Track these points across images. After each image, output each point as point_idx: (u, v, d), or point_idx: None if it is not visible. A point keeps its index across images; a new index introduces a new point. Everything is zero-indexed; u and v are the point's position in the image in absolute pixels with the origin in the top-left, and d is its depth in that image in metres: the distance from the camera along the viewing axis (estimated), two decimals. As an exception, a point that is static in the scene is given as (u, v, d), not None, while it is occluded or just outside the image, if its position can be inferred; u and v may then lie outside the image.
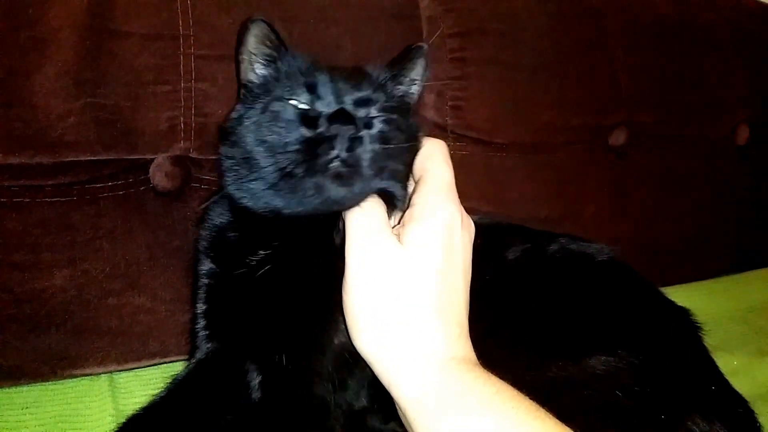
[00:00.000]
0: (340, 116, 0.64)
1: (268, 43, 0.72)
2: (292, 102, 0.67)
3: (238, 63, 0.75)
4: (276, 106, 0.68)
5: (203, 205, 0.78)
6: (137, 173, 0.83)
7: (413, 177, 0.69)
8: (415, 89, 0.77)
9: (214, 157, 0.83)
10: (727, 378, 0.91)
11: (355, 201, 0.65)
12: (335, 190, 0.64)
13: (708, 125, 1.28)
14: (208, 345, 0.75)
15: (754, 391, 0.97)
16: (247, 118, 0.69)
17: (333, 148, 0.63)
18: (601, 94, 1.15)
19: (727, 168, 1.32)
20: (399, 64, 0.75)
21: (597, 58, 1.15)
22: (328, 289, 0.70)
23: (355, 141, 0.64)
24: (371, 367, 0.63)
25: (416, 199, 0.65)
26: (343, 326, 0.69)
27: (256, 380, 0.71)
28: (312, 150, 0.64)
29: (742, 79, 1.32)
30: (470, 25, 1.03)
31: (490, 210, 1.02)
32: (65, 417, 0.76)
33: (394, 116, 0.69)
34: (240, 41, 0.73)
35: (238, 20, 0.84)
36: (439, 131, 1.03)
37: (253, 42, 0.72)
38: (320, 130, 0.64)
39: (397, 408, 0.61)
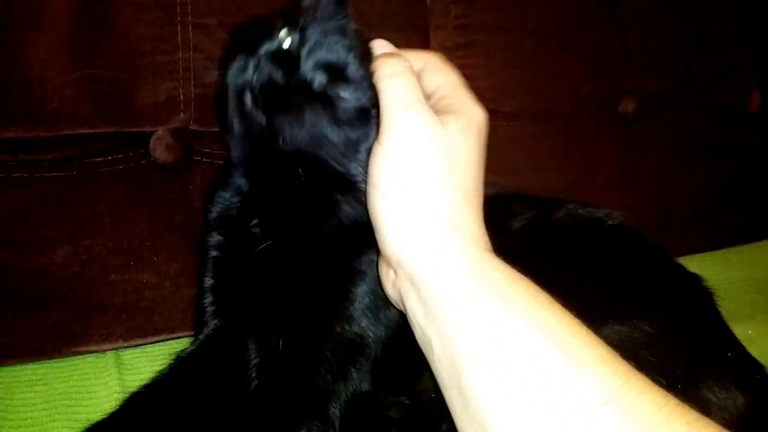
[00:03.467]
0: (282, 58, 0.61)
1: None
2: (283, 32, 0.64)
3: None
4: (281, 23, 0.65)
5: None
6: (137, 147, 0.81)
7: (424, 86, 0.63)
8: None
9: (215, 129, 0.82)
10: (743, 345, 0.91)
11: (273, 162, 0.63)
12: (233, 112, 0.62)
13: (719, 92, 1.26)
14: (215, 321, 0.74)
15: (769, 361, 0.96)
16: None
17: (247, 76, 0.61)
18: (609, 61, 1.12)
19: (740, 135, 1.29)
20: None
21: (605, 25, 1.12)
22: (329, 270, 0.69)
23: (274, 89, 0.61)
24: (395, 258, 0.57)
25: (450, 98, 0.62)
26: (346, 312, 0.68)
27: (254, 362, 0.70)
28: (240, 68, 0.62)
29: (753, 44, 1.29)
30: (474, -9, 1.01)
31: (498, 180, 0.99)
32: (71, 394, 0.75)
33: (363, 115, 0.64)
34: None
35: (235, -13, 0.82)
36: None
37: None
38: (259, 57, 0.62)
39: (415, 303, 0.56)
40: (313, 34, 0.63)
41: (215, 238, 0.74)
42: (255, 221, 0.70)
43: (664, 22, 1.19)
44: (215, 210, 0.75)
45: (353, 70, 0.63)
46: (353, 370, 0.70)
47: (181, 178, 0.84)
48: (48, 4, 0.74)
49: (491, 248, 0.57)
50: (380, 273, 0.63)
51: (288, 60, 0.61)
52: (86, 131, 0.77)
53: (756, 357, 0.94)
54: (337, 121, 0.62)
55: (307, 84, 0.62)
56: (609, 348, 0.51)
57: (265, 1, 0.84)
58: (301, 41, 0.63)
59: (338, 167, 0.63)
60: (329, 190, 0.66)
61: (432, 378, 0.63)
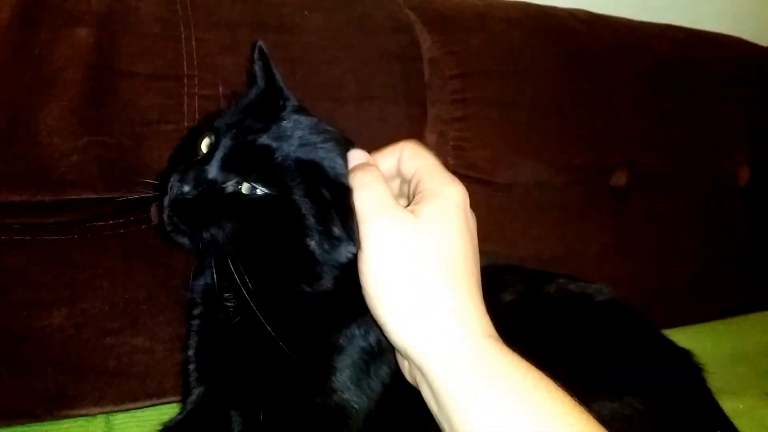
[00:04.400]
0: (193, 168, 0.64)
1: (258, 68, 0.73)
2: (205, 141, 0.68)
3: None
4: (202, 130, 0.69)
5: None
6: (139, 211, 0.83)
7: (403, 175, 0.65)
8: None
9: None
10: (731, 421, 0.90)
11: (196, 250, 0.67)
12: (166, 227, 0.65)
13: (709, 166, 1.29)
14: (199, 388, 0.75)
15: (760, 436, 0.96)
16: None
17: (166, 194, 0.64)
18: (601, 135, 1.15)
19: (729, 209, 1.32)
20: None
21: (597, 99, 1.16)
22: (306, 344, 0.69)
23: (186, 202, 0.63)
24: (403, 352, 0.58)
25: (424, 183, 0.62)
26: (328, 384, 0.68)
27: None
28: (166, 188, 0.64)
29: (742, 119, 1.33)
30: (471, 67, 1.05)
31: (493, 249, 1.01)
32: (61, 457, 0.75)
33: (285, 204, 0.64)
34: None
35: (241, 61, 0.85)
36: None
37: (253, 65, 0.73)
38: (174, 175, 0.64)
39: (427, 392, 0.57)
40: (226, 135, 0.65)
41: (198, 309, 0.76)
42: (229, 296, 0.70)
43: (654, 97, 1.22)
44: (199, 282, 0.77)
45: (278, 160, 0.64)
46: None
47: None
48: (60, 72, 0.77)
49: (492, 330, 0.57)
50: (397, 358, 0.63)
51: (197, 169, 0.64)
52: (90, 196, 0.79)
53: (746, 431, 0.95)
54: (256, 216, 0.64)
55: (217, 185, 0.64)
56: None
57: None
58: (215, 144, 0.65)
59: (270, 258, 0.66)
60: (285, 276, 0.67)
61: None
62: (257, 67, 0.73)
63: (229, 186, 0.63)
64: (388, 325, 0.58)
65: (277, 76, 0.72)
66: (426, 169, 0.63)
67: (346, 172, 0.65)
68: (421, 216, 0.59)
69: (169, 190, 0.63)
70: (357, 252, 0.60)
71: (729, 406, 1.02)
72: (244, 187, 0.63)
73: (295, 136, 0.65)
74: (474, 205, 1.03)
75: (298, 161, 0.64)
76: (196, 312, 0.76)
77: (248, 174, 0.63)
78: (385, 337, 0.68)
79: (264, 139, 0.64)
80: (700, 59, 1.32)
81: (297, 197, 0.63)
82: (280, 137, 0.65)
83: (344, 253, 0.65)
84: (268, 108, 0.69)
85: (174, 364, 0.83)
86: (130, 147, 0.80)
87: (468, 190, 1.02)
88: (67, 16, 0.78)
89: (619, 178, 1.17)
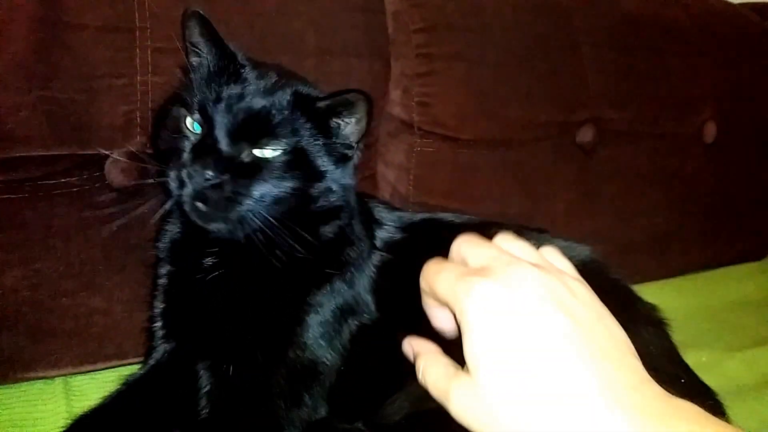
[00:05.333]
0: (205, 152, 0.65)
1: (200, 36, 0.71)
2: (187, 119, 0.68)
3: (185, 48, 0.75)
4: (179, 113, 0.68)
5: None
6: (92, 169, 0.81)
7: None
8: (352, 131, 0.72)
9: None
10: (695, 371, 0.92)
11: (233, 233, 0.67)
12: (198, 222, 0.67)
13: (675, 122, 1.28)
14: (165, 345, 0.75)
15: (723, 386, 0.96)
16: (167, 113, 0.70)
17: (190, 180, 0.64)
18: (567, 91, 1.14)
19: (696, 165, 1.32)
20: (330, 103, 0.70)
21: (564, 55, 1.15)
22: (283, 300, 0.70)
23: (215, 186, 0.64)
24: None
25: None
26: (299, 339, 0.69)
27: (204, 389, 0.70)
28: (179, 179, 0.65)
29: (708, 76, 1.33)
30: (436, 21, 1.02)
31: (458, 207, 1.00)
32: (17, 421, 0.74)
33: (299, 156, 0.68)
34: (182, 31, 0.73)
35: (196, 13, 0.82)
36: (405, 128, 1.02)
37: (189, 33, 0.71)
38: (187, 166, 0.65)
39: None
40: (216, 106, 0.66)
41: (165, 268, 0.75)
42: (209, 259, 0.71)
43: (620, 54, 1.21)
44: (164, 240, 0.76)
45: (272, 116, 0.67)
46: (307, 396, 0.70)
47: (136, 201, 0.82)
48: (3, 26, 0.74)
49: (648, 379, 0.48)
50: None
51: (208, 150, 0.65)
52: (40, 153, 0.77)
53: (710, 382, 0.96)
54: (276, 177, 0.66)
55: (236, 159, 0.66)
56: None
57: (223, 26, 0.84)
58: (207, 120, 0.66)
59: (289, 222, 0.67)
60: (283, 238, 0.67)
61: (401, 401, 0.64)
62: (197, 34, 0.71)
63: (245, 156, 0.66)
64: None
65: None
66: (431, 295, 0.55)
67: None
68: (469, 369, 0.49)
69: (187, 180, 0.64)
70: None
71: (693, 358, 1.04)
72: (258, 152, 0.66)
73: (271, 85, 0.69)
74: (439, 161, 1.04)
75: (288, 103, 0.68)
76: (163, 271, 0.76)
77: (257, 139, 0.66)
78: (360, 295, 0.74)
79: (254, 101, 0.67)
80: (667, 16, 1.31)
81: (305, 141, 0.68)
82: (262, 92, 0.68)
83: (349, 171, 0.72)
84: (232, 72, 0.69)
85: (133, 326, 0.82)
86: (80, 102, 0.78)
87: (433, 147, 1.03)
88: (10, -34, 0.74)
89: (585, 135, 1.16)
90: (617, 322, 0.52)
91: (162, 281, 0.76)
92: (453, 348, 0.51)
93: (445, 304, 0.53)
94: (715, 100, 1.33)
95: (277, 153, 0.66)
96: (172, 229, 0.76)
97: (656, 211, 1.27)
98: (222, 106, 0.66)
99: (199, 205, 0.64)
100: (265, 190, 0.65)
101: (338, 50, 0.94)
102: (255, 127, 0.66)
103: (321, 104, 0.69)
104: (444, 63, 1.03)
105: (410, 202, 1.02)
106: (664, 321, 0.81)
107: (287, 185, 0.67)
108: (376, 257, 0.77)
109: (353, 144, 0.72)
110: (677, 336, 1.09)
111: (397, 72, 1.01)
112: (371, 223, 0.80)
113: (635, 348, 0.70)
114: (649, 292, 1.22)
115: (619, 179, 1.22)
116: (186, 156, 0.65)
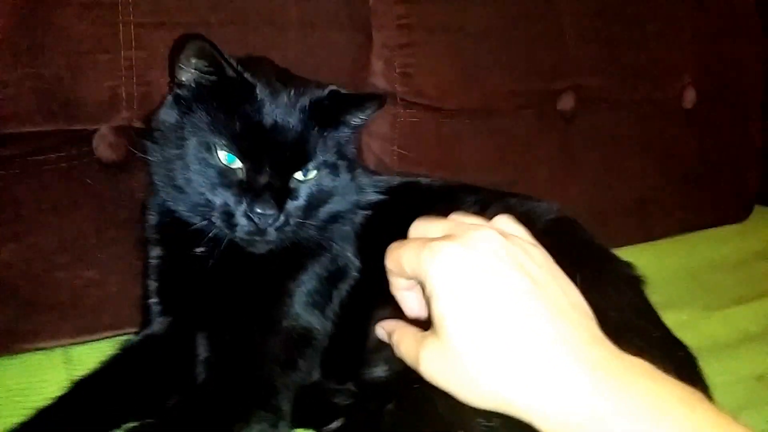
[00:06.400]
0: (260, 193, 0.67)
1: (207, 62, 0.69)
2: (220, 153, 0.68)
3: (172, 67, 0.75)
4: (202, 150, 0.68)
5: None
6: (80, 144, 0.82)
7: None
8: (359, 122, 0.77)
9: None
10: (674, 331, 0.95)
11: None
12: (252, 249, 0.71)
13: (655, 89, 1.30)
14: (161, 318, 0.77)
15: (701, 344, 0.99)
16: (176, 136, 0.70)
17: (251, 227, 0.68)
18: (548, 60, 1.16)
19: (675, 131, 1.34)
20: (351, 111, 0.74)
21: (544, 24, 1.16)
22: (275, 276, 0.74)
23: (278, 220, 0.68)
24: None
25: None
26: (292, 310, 0.73)
27: (202, 356, 0.73)
28: (230, 218, 0.68)
29: (688, 43, 1.34)
30: (416, -9, 1.04)
31: (441, 175, 1.02)
32: (20, 391, 0.76)
33: (332, 169, 0.74)
34: (176, 55, 0.71)
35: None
36: (389, 98, 1.04)
37: (191, 58, 0.69)
38: (240, 203, 0.68)
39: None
40: (251, 141, 0.69)
41: (156, 251, 0.78)
42: (199, 249, 0.73)
43: (600, 21, 1.23)
44: (151, 219, 0.78)
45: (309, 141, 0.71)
46: (300, 361, 0.73)
47: (125, 176, 0.85)
48: (-12, 4, 0.75)
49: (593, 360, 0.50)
50: None
51: (261, 189, 0.68)
52: (29, 129, 0.78)
53: (690, 340, 0.99)
54: (319, 192, 0.73)
55: (286, 190, 0.70)
56: None
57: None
58: (246, 155, 0.69)
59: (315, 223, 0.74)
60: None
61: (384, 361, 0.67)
62: (200, 55, 0.68)
63: (292, 184, 0.70)
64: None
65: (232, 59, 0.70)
66: (399, 273, 0.58)
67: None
68: (435, 329, 0.53)
69: (245, 221, 0.67)
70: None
71: (672, 318, 1.06)
72: (300, 176, 0.71)
73: (291, 103, 0.70)
74: (422, 131, 1.06)
75: (311, 117, 0.71)
76: (154, 253, 0.78)
77: (300, 166, 0.70)
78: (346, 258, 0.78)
79: (286, 128, 0.69)
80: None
81: (330, 152, 0.73)
82: (286, 114, 0.69)
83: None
84: (245, 93, 0.69)
85: (128, 297, 0.85)
86: (66, 78, 0.79)
87: (416, 117, 1.05)
88: (-11, -57, 0.75)
89: (566, 103, 1.18)
90: (572, 284, 0.56)
91: (154, 262, 0.78)
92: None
93: (413, 277, 0.56)
94: (694, 66, 1.34)
95: (317, 171, 0.72)
96: (159, 211, 0.77)
97: (637, 176, 1.29)
98: (257, 137, 0.68)
99: (258, 240, 0.69)
100: (311, 208, 0.72)
101: (320, 22, 0.95)
102: (295, 155, 0.70)
103: (342, 113, 0.74)
104: (425, 34, 1.04)
105: (395, 171, 1.04)
106: (639, 277, 0.83)
107: (326, 194, 0.73)
108: (359, 218, 0.80)
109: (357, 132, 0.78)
110: (658, 297, 1.12)
111: (379, 43, 1.03)
112: None
113: (609, 302, 0.73)
114: (630, 254, 1.24)
115: (600, 145, 1.24)
116: (232, 196, 0.68)
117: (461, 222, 0.58)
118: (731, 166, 1.44)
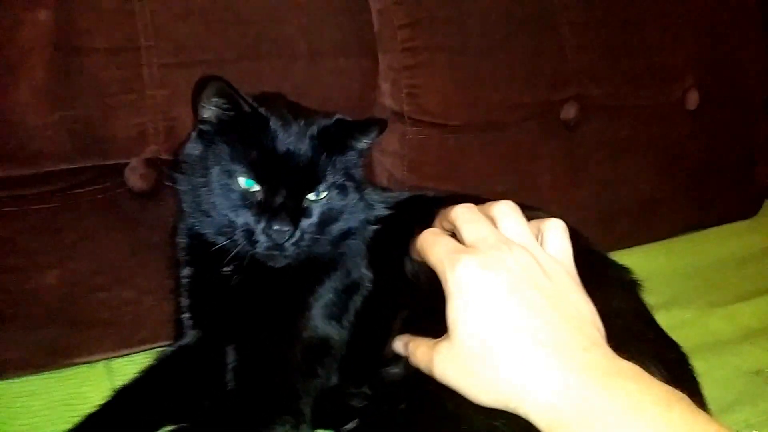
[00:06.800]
0: (277, 212, 0.74)
1: (225, 100, 0.76)
2: (240, 179, 0.75)
3: (195, 106, 0.83)
4: (224, 177, 0.76)
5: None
6: (113, 177, 0.90)
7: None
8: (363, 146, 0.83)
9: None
10: (678, 328, 0.97)
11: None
12: (270, 263, 0.78)
13: (658, 92, 1.33)
14: (194, 331, 0.85)
15: (703, 340, 1.03)
16: (201, 166, 0.78)
17: (269, 243, 0.74)
18: (549, 71, 1.20)
19: (680, 132, 1.37)
20: (356, 136, 0.81)
21: (544, 36, 1.20)
22: (295, 292, 0.81)
23: (293, 236, 0.75)
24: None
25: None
26: (311, 322, 0.80)
27: (231, 365, 0.80)
28: (251, 235, 0.75)
29: (689, 45, 1.37)
30: (419, 15, 1.09)
31: (450, 187, 1.08)
32: (68, 400, 0.84)
33: (341, 189, 0.80)
34: (198, 95, 0.79)
35: (196, 28, 0.92)
36: (396, 117, 1.10)
37: (211, 97, 0.76)
38: (258, 221, 0.75)
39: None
40: (268, 167, 0.76)
41: (186, 271, 0.85)
42: (226, 268, 0.80)
43: (600, 29, 1.26)
44: (181, 242, 0.86)
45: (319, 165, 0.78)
46: (320, 368, 0.80)
47: (155, 203, 0.93)
48: (25, 55, 0.83)
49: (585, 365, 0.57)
50: None
51: (277, 209, 0.75)
52: (67, 167, 0.86)
53: (692, 337, 1.03)
54: (330, 211, 0.80)
55: (300, 209, 0.77)
56: None
57: (220, 37, 0.93)
58: (263, 179, 0.76)
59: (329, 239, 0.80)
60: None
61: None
62: (219, 94, 0.75)
63: (305, 203, 0.77)
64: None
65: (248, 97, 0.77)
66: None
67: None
68: (448, 333, 0.60)
69: (265, 238, 0.74)
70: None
71: (677, 316, 1.11)
72: (313, 196, 0.78)
73: (301, 131, 0.77)
74: (428, 147, 1.12)
75: (319, 143, 0.78)
76: (185, 273, 0.85)
77: (312, 187, 0.77)
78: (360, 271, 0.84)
79: (297, 154, 0.76)
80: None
81: (338, 174, 0.79)
82: (298, 142, 0.77)
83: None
84: (260, 126, 0.77)
85: (162, 313, 0.92)
86: (98, 118, 0.87)
87: (423, 134, 1.12)
88: (26, 0, 0.83)
89: (569, 112, 1.22)
90: (584, 295, 0.63)
91: (185, 281, 0.85)
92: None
93: (433, 269, 0.63)
94: (696, 68, 1.37)
95: (327, 192, 0.78)
96: (188, 234, 0.85)
97: (641, 178, 1.32)
98: (272, 163, 0.75)
99: (276, 255, 0.76)
100: (324, 225, 0.78)
101: (328, 51, 1.01)
102: (307, 178, 0.77)
103: (347, 139, 0.81)
104: (428, 55, 1.10)
105: (406, 186, 1.11)
106: (636, 282, 0.87)
107: (337, 213, 0.80)
108: (369, 233, 0.87)
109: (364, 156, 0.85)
110: (663, 296, 1.16)
111: (385, 66, 1.09)
112: None
113: (605, 308, 0.79)
114: (637, 255, 1.30)
115: (604, 150, 1.27)
116: (249, 214, 0.75)
117: (494, 232, 0.64)
118: (738, 163, 1.47)
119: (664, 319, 1.01)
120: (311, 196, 0.77)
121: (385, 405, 0.73)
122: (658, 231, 1.35)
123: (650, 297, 1.13)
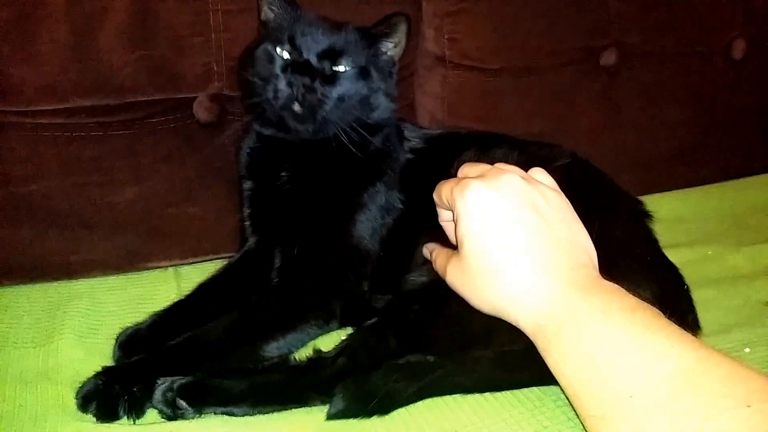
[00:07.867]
0: (300, 67, 0.87)
1: (277, 6, 0.93)
2: (277, 49, 0.88)
3: (258, 7, 0.96)
4: (269, 48, 0.89)
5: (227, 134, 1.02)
6: (183, 109, 1.04)
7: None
8: (395, 52, 0.96)
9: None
10: (699, 262, 1.06)
11: (318, 133, 0.89)
12: (293, 124, 0.88)
13: (700, 41, 1.34)
14: (253, 238, 0.98)
15: (722, 274, 1.06)
16: (253, 53, 0.91)
17: (289, 91, 0.86)
18: (589, 18, 1.24)
19: (723, 80, 1.37)
20: (378, 29, 0.93)
21: (585, -17, 1.23)
22: (339, 201, 0.92)
23: (310, 89, 0.86)
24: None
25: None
26: (349, 232, 0.91)
27: (276, 265, 0.93)
28: (277, 91, 0.87)
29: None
30: (463, -36, 1.15)
31: (487, 128, 1.15)
32: (141, 298, 0.98)
33: (363, 72, 0.91)
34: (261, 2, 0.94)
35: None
36: (439, 62, 1.19)
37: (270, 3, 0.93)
38: (286, 76, 0.87)
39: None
40: (302, 39, 0.89)
41: (247, 183, 0.99)
42: (283, 174, 0.94)
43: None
44: (244, 159, 0.99)
45: (342, 45, 0.90)
46: (352, 274, 0.92)
47: (219, 133, 1.06)
48: (111, 3, 0.97)
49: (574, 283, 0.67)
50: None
51: (302, 65, 0.88)
52: (144, 99, 1.01)
53: (710, 271, 1.08)
54: (349, 84, 0.90)
55: (322, 72, 0.89)
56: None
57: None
58: (296, 48, 0.89)
59: (356, 125, 0.90)
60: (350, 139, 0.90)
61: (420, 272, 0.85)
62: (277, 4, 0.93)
63: (327, 70, 0.89)
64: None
65: None
66: (441, 205, 0.78)
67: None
68: (459, 247, 0.73)
69: (286, 88, 0.87)
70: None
71: (700, 252, 1.14)
72: (336, 68, 0.89)
73: (335, 25, 0.92)
74: (468, 90, 1.20)
75: (350, 34, 0.92)
76: (246, 186, 0.99)
77: (335, 58, 0.89)
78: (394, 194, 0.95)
79: (328, 34, 0.90)
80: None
81: (365, 60, 0.92)
82: (330, 30, 0.90)
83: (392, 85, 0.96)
84: (302, 19, 0.92)
85: (223, 228, 1.07)
86: (170, 57, 1.01)
87: (463, 77, 1.20)
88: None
89: (609, 58, 1.25)
90: (578, 223, 0.74)
91: (246, 193, 0.99)
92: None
93: (450, 208, 0.75)
94: (744, 16, 1.36)
95: (349, 68, 0.89)
96: (249, 151, 0.98)
97: (680, 124, 1.35)
98: (307, 38, 0.88)
99: (296, 107, 0.86)
100: (342, 92, 0.88)
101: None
102: (333, 50, 0.89)
103: (373, 31, 0.93)
104: (471, 2, 1.17)
105: (445, 126, 1.20)
106: (645, 212, 0.92)
107: (356, 91, 0.90)
108: (403, 160, 0.98)
109: (395, 61, 0.96)
110: (691, 234, 1.20)
111: (429, 13, 1.17)
112: (401, 138, 1.00)
113: (610, 232, 0.86)
114: (671, 197, 1.34)
115: (644, 97, 1.31)
116: (280, 72, 0.88)
117: (495, 167, 0.75)
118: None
119: (685, 254, 1.08)
120: (334, 66, 0.89)
121: (401, 306, 0.84)
122: (695, 177, 1.38)
123: (678, 235, 1.18)
